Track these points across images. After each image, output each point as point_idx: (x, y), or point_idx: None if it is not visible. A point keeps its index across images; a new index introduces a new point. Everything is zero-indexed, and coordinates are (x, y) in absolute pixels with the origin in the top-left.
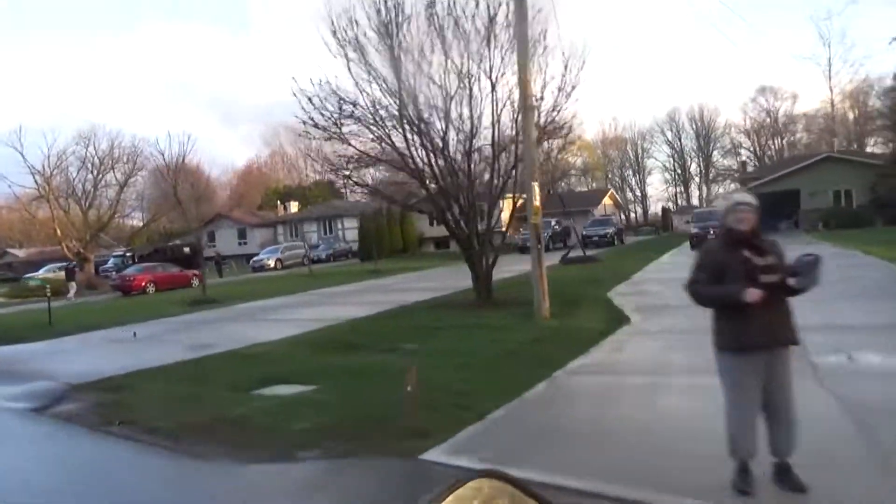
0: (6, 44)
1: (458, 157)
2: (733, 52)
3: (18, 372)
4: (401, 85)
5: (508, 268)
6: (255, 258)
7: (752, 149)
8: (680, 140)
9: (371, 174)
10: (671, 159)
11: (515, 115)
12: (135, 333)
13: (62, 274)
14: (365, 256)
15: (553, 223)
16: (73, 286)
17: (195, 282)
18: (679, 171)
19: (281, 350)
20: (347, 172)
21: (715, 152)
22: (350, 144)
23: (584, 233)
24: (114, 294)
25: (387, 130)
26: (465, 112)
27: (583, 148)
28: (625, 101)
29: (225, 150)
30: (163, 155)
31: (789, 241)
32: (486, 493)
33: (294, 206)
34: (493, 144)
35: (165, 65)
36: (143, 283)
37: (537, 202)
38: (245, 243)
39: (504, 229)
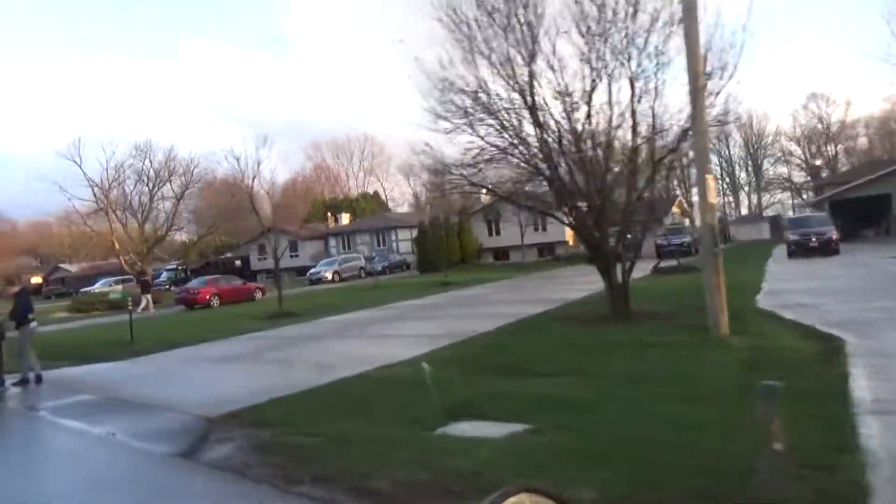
0: (73, 62)
1: (593, 149)
2: (783, 55)
3: (126, 399)
4: (532, 69)
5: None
6: (312, 270)
7: (802, 156)
8: (728, 148)
9: (485, 175)
10: (719, 167)
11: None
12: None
13: (119, 287)
14: (424, 268)
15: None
16: (146, 299)
17: (258, 295)
18: (728, 180)
19: (421, 372)
20: (466, 172)
21: (765, 161)
22: (480, 136)
23: (659, 242)
24: (177, 308)
25: (518, 120)
26: (603, 98)
27: None
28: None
29: (265, 166)
30: (238, 161)
31: (880, 248)
32: None
33: (345, 218)
34: (632, 132)
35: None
36: (208, 297)
37: (713, 198)
38: (296, 255)
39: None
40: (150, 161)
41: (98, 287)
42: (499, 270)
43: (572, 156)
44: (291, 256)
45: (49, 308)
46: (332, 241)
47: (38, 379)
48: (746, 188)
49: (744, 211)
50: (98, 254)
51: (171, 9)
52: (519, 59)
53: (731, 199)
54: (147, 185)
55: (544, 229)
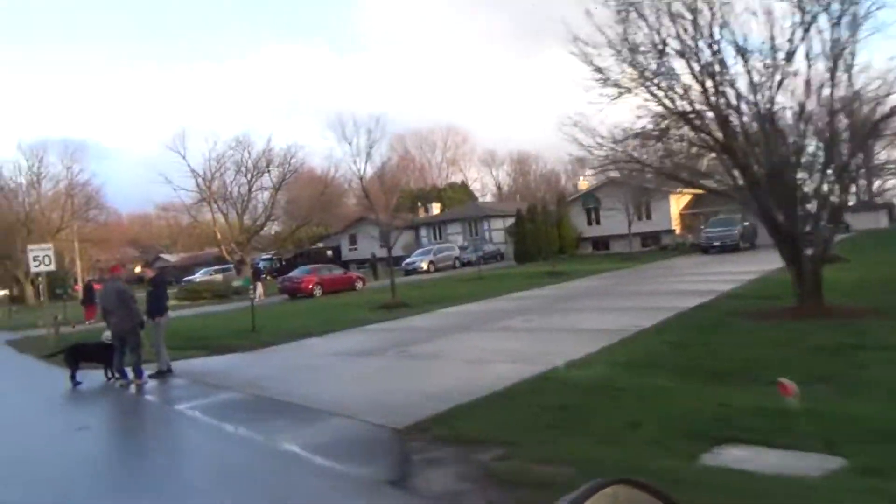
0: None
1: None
2: None
3: (275, 398)
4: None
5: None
6: (407, 260)
7: None
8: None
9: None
10: None
11: None
12: None
13: (219, 277)
14: (521, 258)
15: (739, 220)
16: (257, 287)
17: (359, 284)
18: None
19: (616, 374)
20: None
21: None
22: (658, 100)
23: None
24: (280, 297)
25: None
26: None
27: None
28: None
29: (355, 157)
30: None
31: None
32: (621, 500)
33: (436, 208)
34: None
35: (287, 81)
36: (311, 286)
37: None
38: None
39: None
40: (249, 152)
41: (199, 276)
42: (604, 261)
43: (761, 124)
44: (382, 247)
45: None
46: (424, 231)
47: (169, 369)
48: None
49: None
50: (195, 244)
51: (257, 12)
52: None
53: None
54: (245, 175)
55: (648, 217)
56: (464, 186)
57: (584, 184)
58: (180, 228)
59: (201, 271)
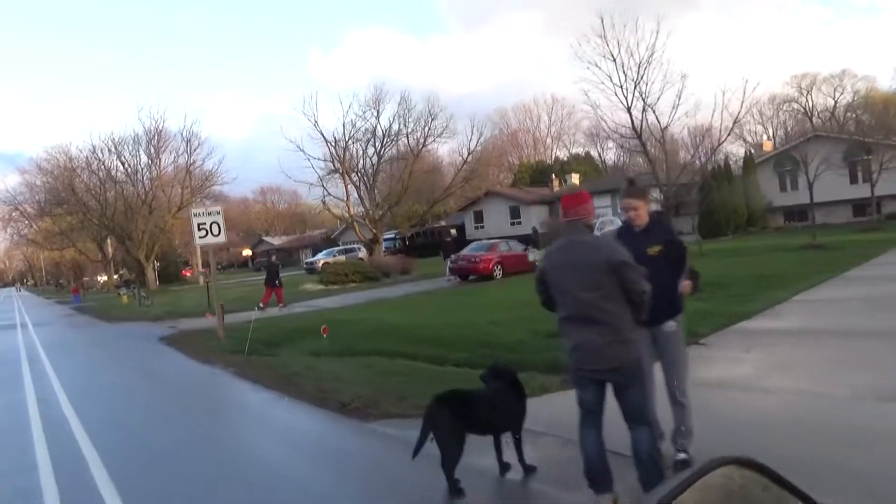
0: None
1: None
2: None
3: None
4: None
5: None
6: None
7: None
8: None
9: None
10: None
11: None
12: None
13: (342, 258)
14: (706, 232)
15: None
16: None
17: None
18: None
19: None
20: None
21: None
22: None
23: None
24: (443, 279)
25: None
26: None
27: None
28: None
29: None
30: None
31: None
32: (737, 481)
33: (575, 178)
34: None
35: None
36: (491, 266)
37: None
38: (518, 223)
39: None
40: (378, 117)
41: (322, 257)
42: (840, 231)
43: None
44: (513, 224)
45: (293, 279)
46: None
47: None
48: None
49: None
50: (290, 227)
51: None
52: None
53: None
54: (374, 145)
55: (866, 179)
56: (588, 158)
57: (767, 144)
58: (277, 212)
59: (323, 252)
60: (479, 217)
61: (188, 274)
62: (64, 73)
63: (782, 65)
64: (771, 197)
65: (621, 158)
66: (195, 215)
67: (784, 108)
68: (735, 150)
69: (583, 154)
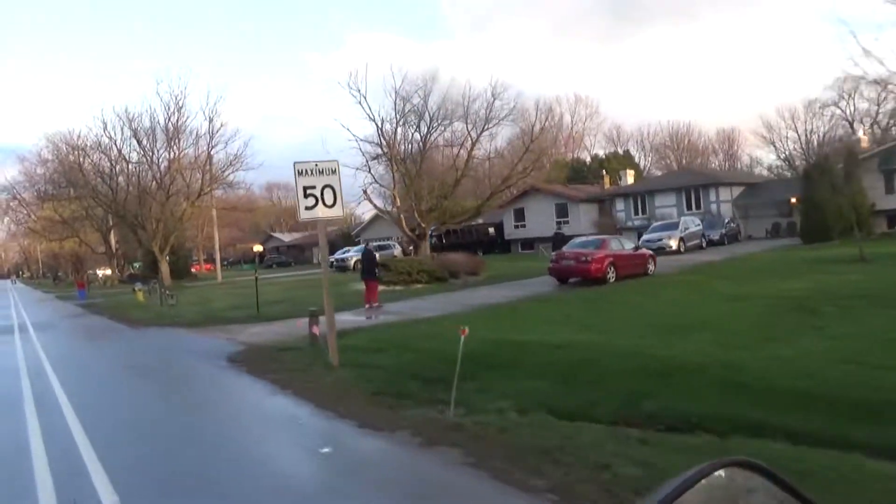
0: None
1: None
2: None
3: None
4: None
5: None
6: (645, 237)
7: None
8: None
9: None
10: None
11: None
12: None
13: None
14: (810, 237)
15: None
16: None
17: (651, 266)
18: None
19: None
20: None
21: None
22: None
23: None
24: (537, 281)
25: None
26: None
27: None
28: None
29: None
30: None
31: None
32: (738, 483)
33: (630, 177)
34: None
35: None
36: (604, 268)
37: None
38: (565, 222)
39: None
40: (426, 99)
41: (353, 254)
42: None
43: None
44: (559, 223)
45: (339, 279)
46: (620, 205)
47: None
48: None
49: None
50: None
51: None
52: None
53: None
54: (420, 130)
55: None
56: (628, 156)
57: (865, 140)
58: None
59: (353, 249)
60: (519, 215)
61: (208, 269)
62: (69, 53)
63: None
64: (877, 200)
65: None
66: (300, 174)
67: (823, 112)
68: (764, 157)
69: (622, 153)
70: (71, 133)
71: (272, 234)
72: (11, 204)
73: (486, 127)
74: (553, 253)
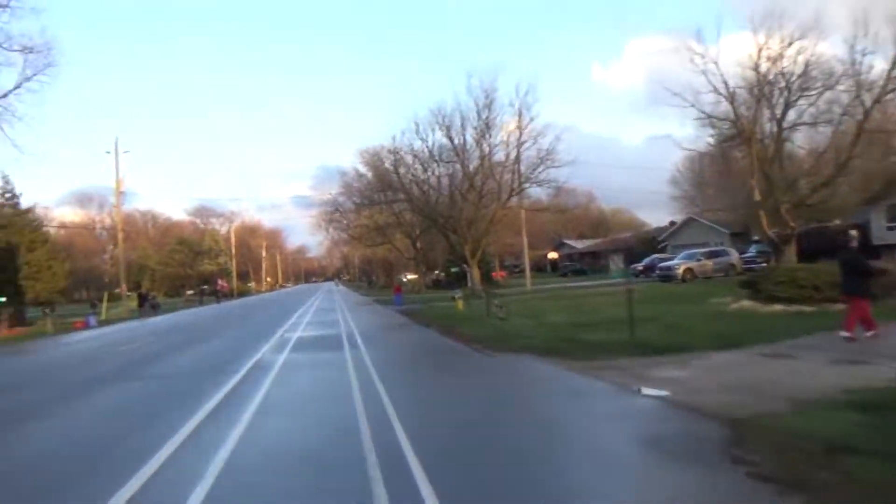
0: None
1: None
2: None
3: None
4: None
5: None
6: None
7: None
8: None
9: None
10: None
11: None
12: None
13: (709, 263)
14: None
15: None
16: None
17: None
18: None
19: None
20: None
21: None
22: None
23: None
24: None
25: None
26: None
27: None
28: None
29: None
30: None
31: None
32: None
33: None
34: None
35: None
36: None
37: None
38: None
39: None
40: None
41: (680, 261)
42: None
43: None
44: None
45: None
46: None
47: None
48: None
49: None
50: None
51: None
52: None
53: None
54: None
55: None
56: None
57: None
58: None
59: (680, 256)
60: (894, 213)
61: (502, 276)
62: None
63: None
64: None
65: None
66: None
67: None
68: None
69: None
70: (383, 147)
71: (564, 240)
72: (334, 216)
73: (887, 87)
74: None
